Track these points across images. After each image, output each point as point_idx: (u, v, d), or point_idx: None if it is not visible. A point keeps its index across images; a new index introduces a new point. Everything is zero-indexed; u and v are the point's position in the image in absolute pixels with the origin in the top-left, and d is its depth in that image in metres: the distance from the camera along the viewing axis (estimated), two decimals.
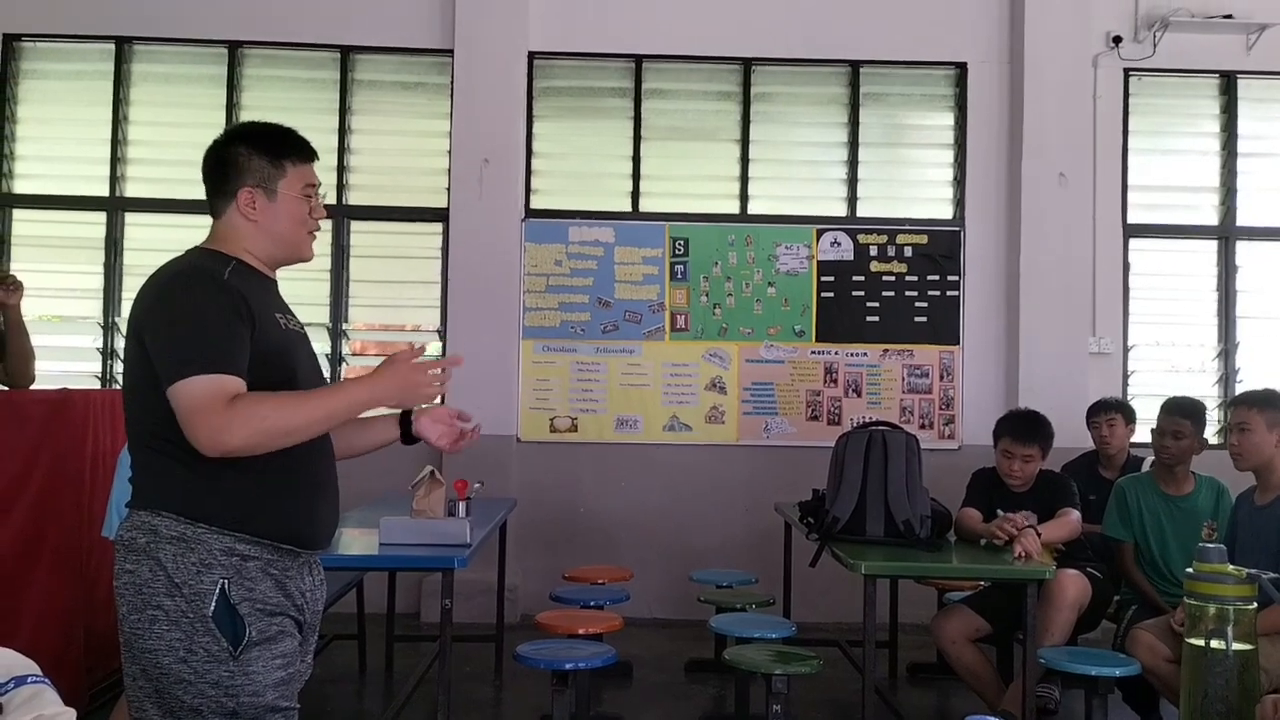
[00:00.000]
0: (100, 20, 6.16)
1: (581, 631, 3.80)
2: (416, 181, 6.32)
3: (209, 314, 1.89)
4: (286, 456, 1.92)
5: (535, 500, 5.93)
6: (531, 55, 6.24)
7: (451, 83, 6.15)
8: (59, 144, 6.31)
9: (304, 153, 2.14)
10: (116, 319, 6.12)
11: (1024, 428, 4.19)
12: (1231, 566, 1.54)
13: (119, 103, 6.23)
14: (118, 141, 6.24)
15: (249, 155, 2.06)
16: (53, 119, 6.32)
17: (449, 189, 6.15)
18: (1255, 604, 1.51)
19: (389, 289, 6.36)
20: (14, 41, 6.21)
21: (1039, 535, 3.68)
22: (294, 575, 2.02)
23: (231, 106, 6.25)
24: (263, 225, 2.07)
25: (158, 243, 6.26)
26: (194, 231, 6.61)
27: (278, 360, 1.99)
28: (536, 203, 6.28)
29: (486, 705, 4.56)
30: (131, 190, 6.28)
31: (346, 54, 6.28)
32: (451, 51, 6.14)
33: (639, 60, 6.31)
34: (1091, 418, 5.01)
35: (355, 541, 3.70)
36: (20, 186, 6.24)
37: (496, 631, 5.02)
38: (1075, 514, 4.00)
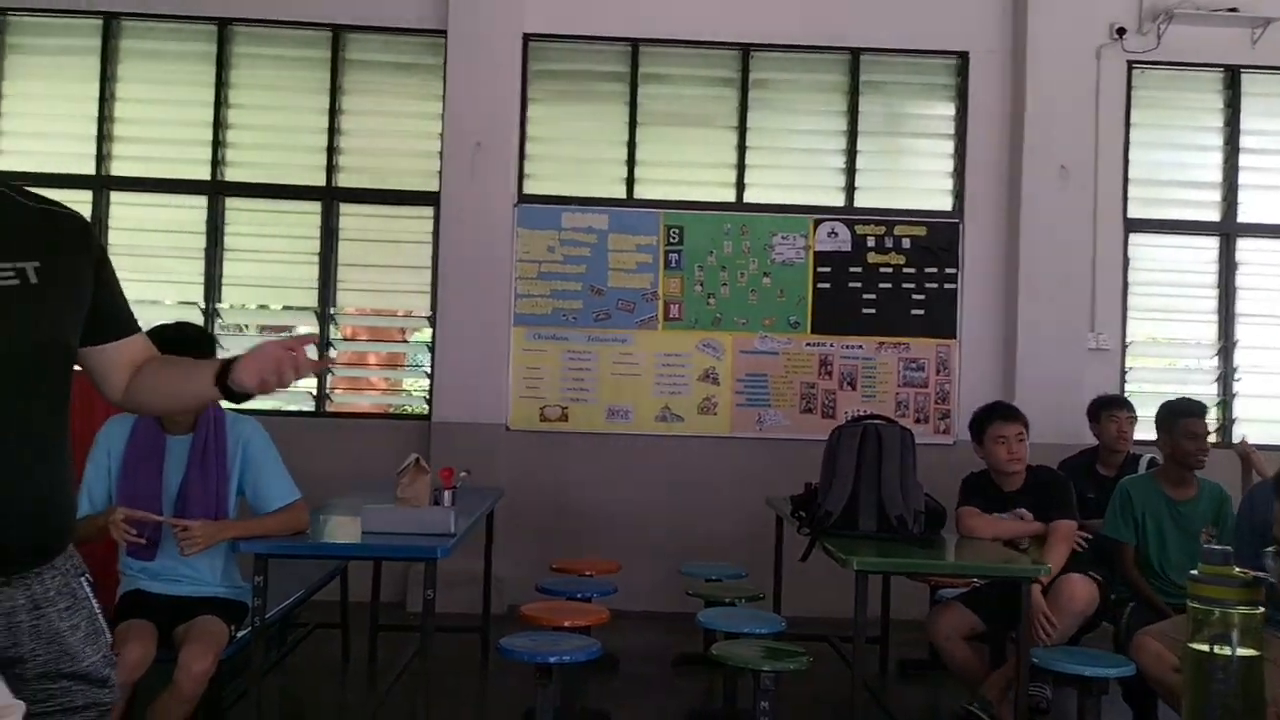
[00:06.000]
0: None
1: (567, 624, 3.72)
2: (407, 164, 6.22)
3: None
4: None
5: (524, 490, 5.84)
6: (526, 37, 6.14)
7: (444, 64, 6.04)
8: (45, 120, 6.20)
9: None
10: None
11: (1005, 408, 4.22)
12: (1237, 569, 1.46)
13: (106, 80, 6.12)
14: (104, 119, 6.13)
15: None
16: (39, 95, 6.20)
17: (440, 172, 6.05)
18: (1261, 609, 1.43)
19: (379, 273, 6.25)
20: (1, 15, 6.09)
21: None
22: None
23: (221, 85, 6.14)
24: None
25: (144, 221, 6.18)
26: (180, 211, 6.52)
27: None
28: (529, 188, 6.18)
29: (470, 697, 4.49)
30: (117, 169, 6.17)
31: (338, 33, 6.17)
32: (445, 32, 6.03)
33: (636, 44, 6.21)
34: (1105, 412, 4.94)
35: (338, 530, 3.62)
36: (4, 164, 6.12)
37: (482, 622, 4.94)
38: (1065, 524, 3.97)
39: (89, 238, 1.79)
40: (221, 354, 3.47)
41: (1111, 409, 4.93)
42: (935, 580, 4.78)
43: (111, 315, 1.83)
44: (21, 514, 1.64)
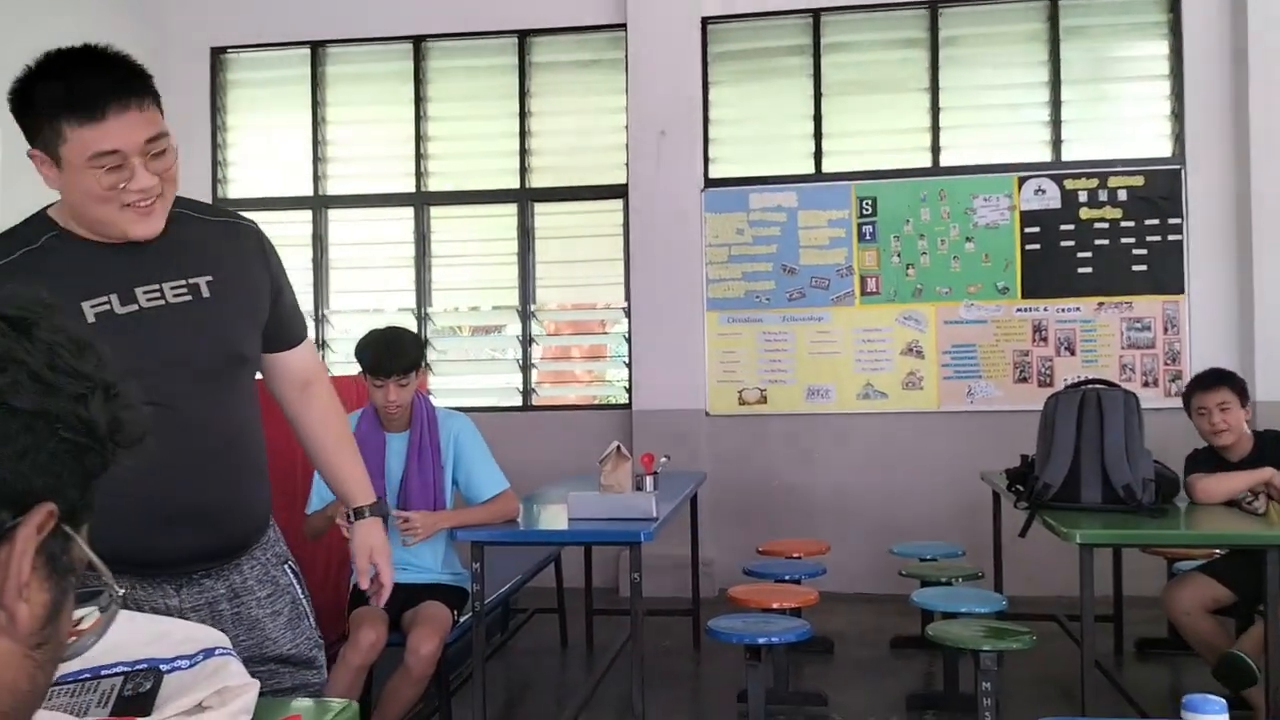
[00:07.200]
0: (295, 27, 6.47)
1: (776, 606, 3.69)
2: (595, 159, 6.33)
3: None
4: None
5: (727, 473, 5.85)
6: (705, 20, 6.11)
7: (626, 56, 6.11)
8: (266, 147, 6.70)
9: (86, 110, 1.53)
10: (325, 311, 6.44)
11: (1205, 376, 3.91)
12: None
13: (317, 105, 6.54)
14: (318, 142, 6.56)
15: (23, 112, 1.58)
16: (259, 125, 6.71)
17: (627, 164, 6.12)
18: None
19: (575, 268, 6.41)
20: (220, 54, 6.62)
21: None
22: None
23: (419, 100, 6.44)
24: (64, 196, 1.64)
25: (358, 236, 6.58)
26: (390, 224, 6.83)
27: None
28: (715, 172, 6.16)
29: (685, 679, 4.53)
30: (333, 188, 6.59)
31: (524, 38, 6.35)
32: (625, 25, 6.10)
33: (817, 14, 6.07)
34: None
35: (546, 517, 3.74)
36: (233, 191, 6.66)
37: (693, 605, 4.98)
38: None
39: (264, 249, 1.85)
40: (432, 355, 3.63)
41: None
42: (1171, 553, 4.45)
43: (280, 327, 1.89)
44: (208, 514, 1.74)
